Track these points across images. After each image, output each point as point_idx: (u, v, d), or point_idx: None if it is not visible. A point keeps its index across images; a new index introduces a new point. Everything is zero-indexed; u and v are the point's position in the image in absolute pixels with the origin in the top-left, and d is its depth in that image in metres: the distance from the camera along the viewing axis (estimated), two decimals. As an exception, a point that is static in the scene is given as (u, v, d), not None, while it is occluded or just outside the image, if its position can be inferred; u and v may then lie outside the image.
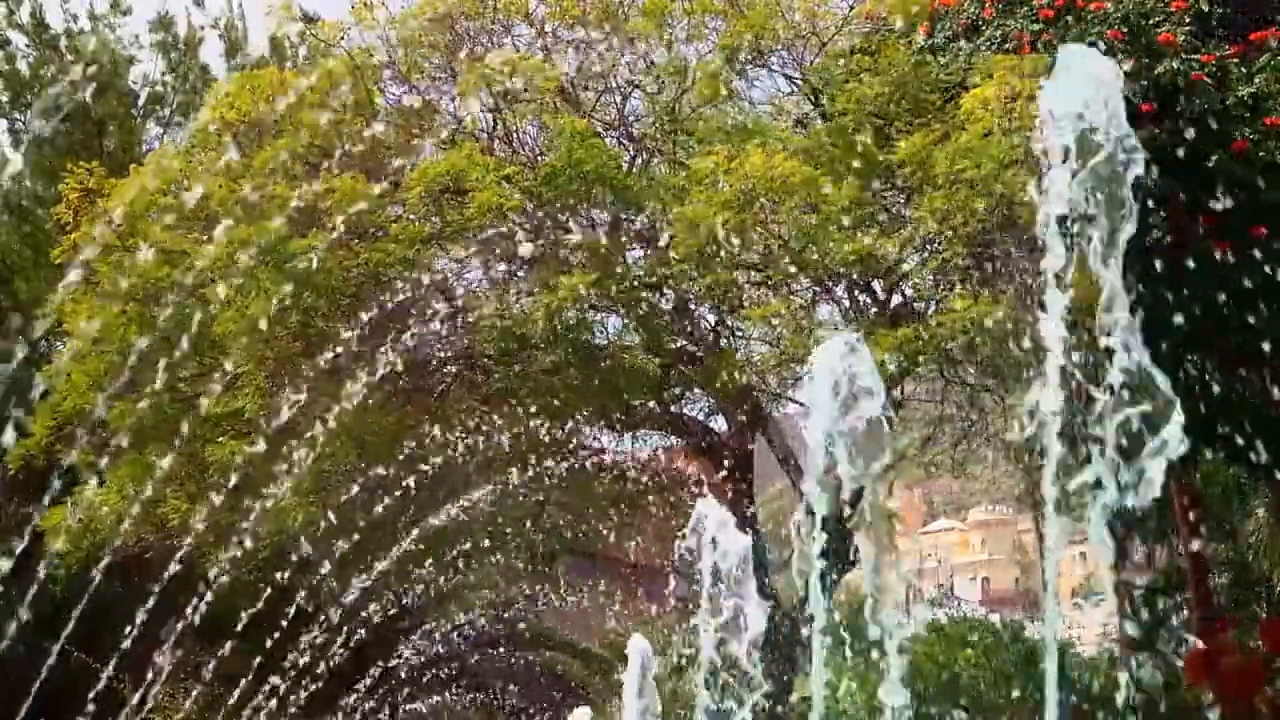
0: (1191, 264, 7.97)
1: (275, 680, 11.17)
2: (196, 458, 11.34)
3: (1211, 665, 10.48)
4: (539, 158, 12.39)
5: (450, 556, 12.94)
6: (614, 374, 11.81)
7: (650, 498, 13.72)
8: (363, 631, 12.93)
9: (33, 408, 11.66)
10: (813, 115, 12.23)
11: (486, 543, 13.40)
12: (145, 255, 10.96)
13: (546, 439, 11.48)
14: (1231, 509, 13.75)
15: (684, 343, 12.29)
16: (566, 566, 17.21)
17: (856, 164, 10.22)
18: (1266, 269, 8.00)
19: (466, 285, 12.46)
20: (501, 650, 20.42)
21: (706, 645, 5.92)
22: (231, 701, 11.77)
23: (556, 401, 11.37)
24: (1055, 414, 3.60)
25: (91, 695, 8.83)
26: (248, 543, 10.58)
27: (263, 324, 10.23)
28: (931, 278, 11.13)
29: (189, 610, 9.45)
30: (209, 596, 9.63)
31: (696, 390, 13.42)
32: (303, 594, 11.15)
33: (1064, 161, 3.64)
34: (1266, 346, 8.45)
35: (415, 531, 11.44)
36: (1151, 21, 8.69)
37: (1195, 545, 12.11)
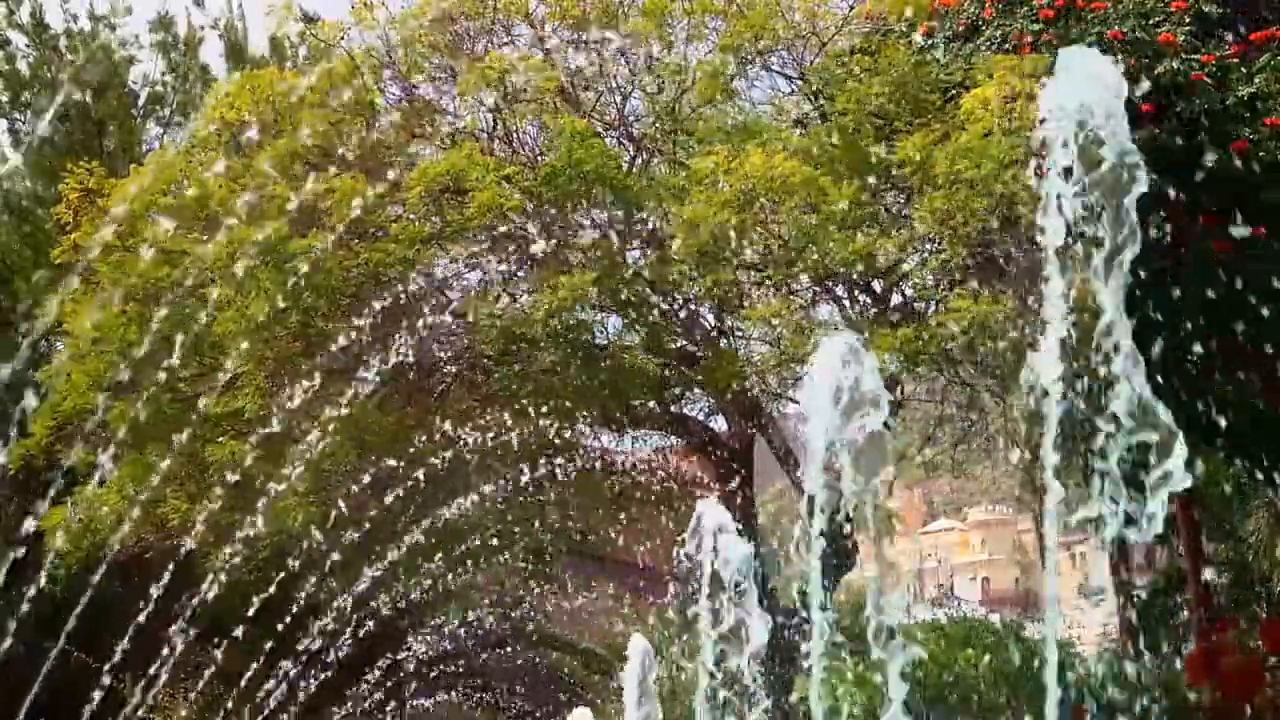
0: (1191, 264, 7.97)
1: (275, 680, 11.18)
2: (196, 458, 11.33)
3: (1211, 665, 10.48)
4: (539, 158, 12.39)
5: (451, 557, 12.94)
6: (614, 374, 11.81)
7: (650, 498, 13.73)
8: (363, 632, 12.94)
9: (33, 408, 11.66)
10: (813, 115, 12.22)
11: (487, 542, 13.40)
12: (145, 255, 10.96)
13: (547, 439, 11.48)
14: (1231, 509, 13.75)
15: (684, 343, 12.29)
16: (564, 565, 17.21)
17: (856, 164, 10.22)
18: (1266, 269, 8.00)
19: (466, 285, 12.45)
20: (502, 650, 20.44)
21: (706, 659, 5.87)
22: (232, 701, 11.78)
23: (556, 402, 11.36)
24: (1056, 381, 3.59)
25: (91, 695, 8.84)
26: (248, 542, 10.58)
27: (262, 325, 10.22)
28: (931, 278, 11.13)
29: (189, 610, 9.46)
30: (209, 596, 9.64)
31: (696, 390, 13.42)
32: (303, 595, 11.15)
33: (1065, 179, 3.64)
34: (1267, 347, 8.44)
35: (415, 531, 11.45)
36: (1151, 21, 8.69)
37: (1195, 546, 12.11)
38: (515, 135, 12.89)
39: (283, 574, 10.40)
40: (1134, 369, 3.44)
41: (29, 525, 10.45)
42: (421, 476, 10.62)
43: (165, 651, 9.76)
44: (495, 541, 13.41)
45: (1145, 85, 7.71)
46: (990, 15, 9.54)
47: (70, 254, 12.05)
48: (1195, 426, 9.37)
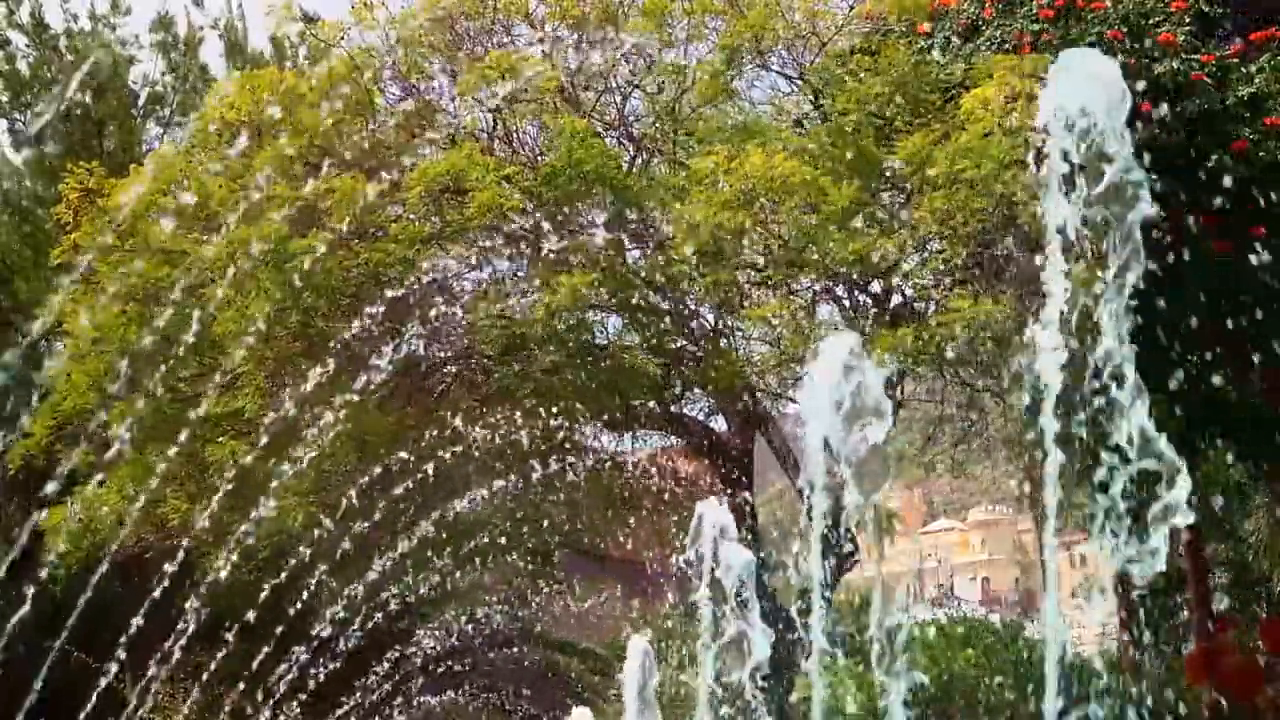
0: (1191, 264, 7.96)
1: (274, 680, 11.18)
2: (196, 458, 11.33)
3: (1211, 665, 10.50)
4: (539, 158, 12.39)
5: (458, 555, 12.94)
6: (614, 374, 11.81)
7: (650, 498, 13.72)
8: (370, 624, 12.94)
9: (33, 408, 11.66)
10: (813, 115, 12.23)
11: (496, 540, 13.40)
12: (145, 255, 10.96)
13: (547, 439, 11.48)
14: (1231, 509, 13.75)
15: (684, 343, 12.28)
16: (564, 565, 17.21)
17: (856, 164, 10.22)
18: (1266, 269, 8.00)
19: (466, 285, 12.45)
20: (509, 650, 20.43)
21: (707, 674, 5.81)
22: (232, 702, 11.78)
23: (556, 402, 11.36)
24: (1055, 349, 3.58)
25: (91, 695, 8.84)
26: (248, 542, 10.58)
27: (261, 325, 10.22)
28: (931, 278, 11.13)
29: (189, 610, 9.46)
30: (209, 597, 9.63)
31: (696, 390, 13.41)
32: (305, 594, 11.15)
33: (1065, 194, 3.63)
34: (1266, 347, 8.45)
35: (424, 524, 11.45)
36: (1151, 21, 8.69)
37: (1195, 546, 12.11)
38: (515, 135, 12.88)
39: (284, 573, 10.39)
40: (1137, 401, 3.42)
41: (29, 525, 10.46)
42: (427, 473, 10.62)
43: (165, 651, 9.75)
44: (503, 540, 13.40)
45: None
46: (990, 15, 9.54)
47: (70, 254, 12.04)
48: (1195, 426, 9.38)
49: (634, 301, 11.51)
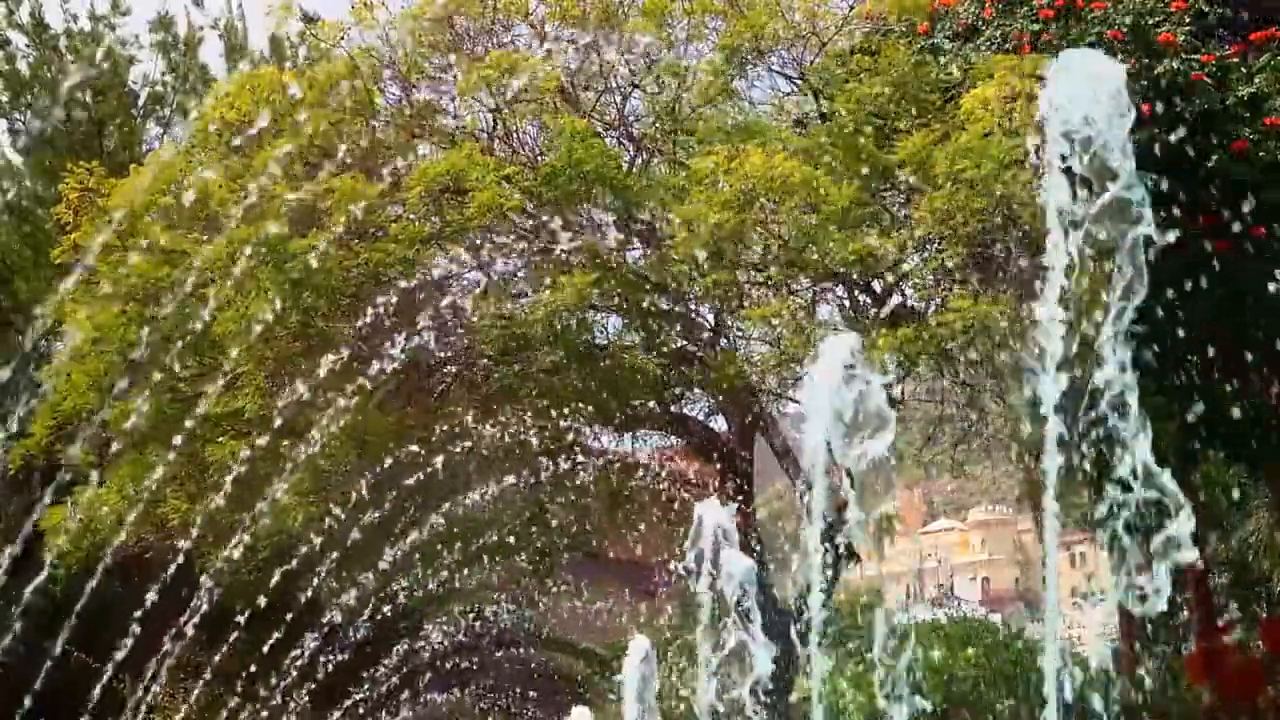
0: (1191, 264, 7.97)
1: (274, 679, 11.18)
2: (196, 458, 11.33)
3: (1212, 665, 10.50)
4: (539, 158, 12.38)
5: (451, 557, 12.94)
6: (614, 374, 11.81)
7: (651, 498, 13.72)
8: (362, 632, 12.94)
9: (33, 408, 11.66)
10: (813, 115, 12.23)
11: (504, 540, 13.40)
12: (145, 255, 10.95)
13: (553, 439, 11.48)
14: (1231, 509, 13.75)
15: (684, 343, 12.28)
16: (563, 565, 17.19)
17: (856, 164, 10.22)
18: (1266, 269, 8.00)
19: (466, 285, 12.44)
20: (516, 650, 20.43)
21: (706, 689, 5.74)
22: (233, 701, 11.78)
23: (557, 402, 11.36)
24: (1056, 320, 3.57)
25: (91, 695, 8.84)
26: (248, 541, 10.57)
27: (266, 318, 10.21)
28: (931, 278, 11.12)
29: (189, 610, 9.46)
30: (209, 596, 9.63)
31: (696, 390, 13.41)
32: (304, 596, 11.15)
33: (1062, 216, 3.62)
34: (1266, 347, 8.45)
35: (415, 532, 11.44)
36: (1151, 21, 8.69)
37: (1195, 546, 12.08)
38: (515, 135, 12.88)
39: (284, 573, 10.38)
40: (1139, 433, 3.38)
41: (29, 525, 10.46)
42: (430, 473, 10.62)
43: (165, 651, 9.75)
44: (506, 541, 13.39)
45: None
46: (990, 15, 9.54)
47: (70, 254, 12.04)
48: (1195, 426, 9.37)
49: (634, 301, 11.51)
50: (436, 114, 12.57)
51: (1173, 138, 8.16)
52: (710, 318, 12.95)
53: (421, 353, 11.60)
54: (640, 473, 13.80)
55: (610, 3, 12.14)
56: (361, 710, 14.93)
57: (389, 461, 10.80)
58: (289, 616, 10.75)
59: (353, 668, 14.00)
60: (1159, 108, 8.22)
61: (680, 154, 12.53)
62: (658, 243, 11.75)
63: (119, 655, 9.00)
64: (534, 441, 11.35)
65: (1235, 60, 8.74)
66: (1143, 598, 3.44)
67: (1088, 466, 3.54)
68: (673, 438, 14.77)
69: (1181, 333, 7.76)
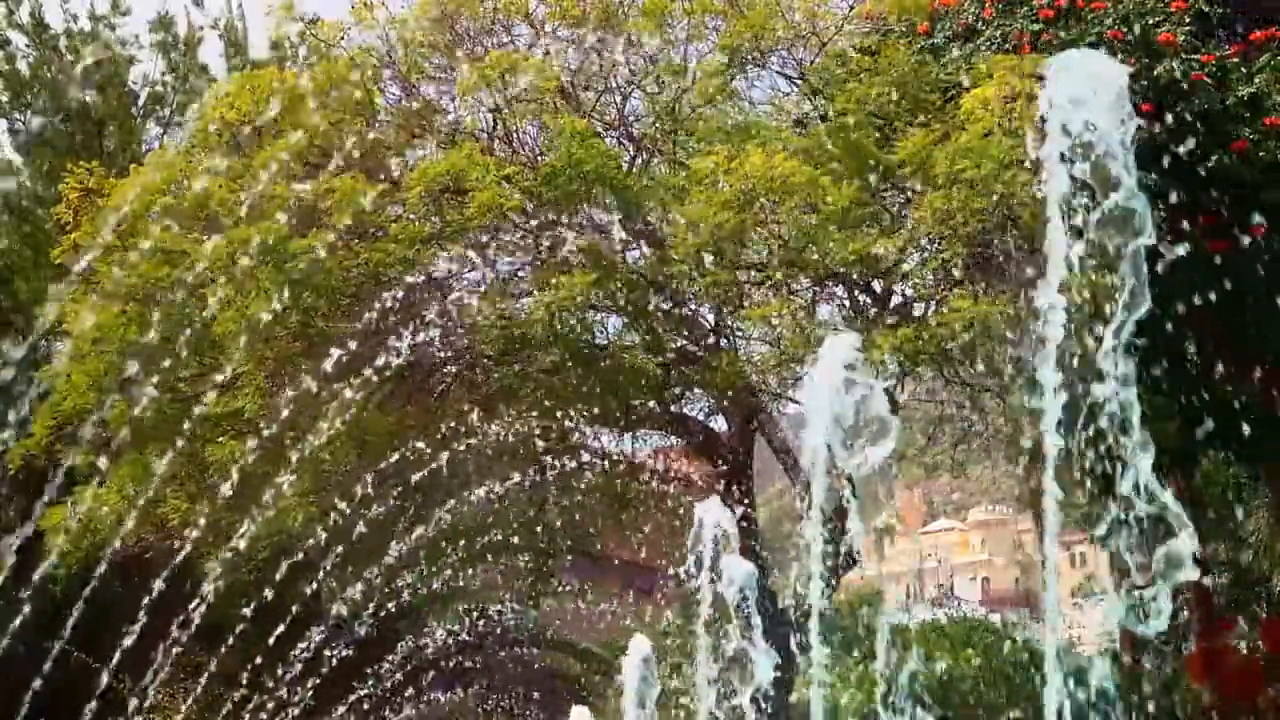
0: (1191, 264, 7.96)
1: (274, 680, 11.17)
2: (196, 458, 11.33)
3: (1212, 665, 10.50)
4: (539, 158, 12.38)
5: (455, 556, 12.94)
6: (614, 374, 11.80)
7: (651, 498, 13.71)
8: (362, 631, 12.93)
9: (33, 408, 11.66)
10: (813, 115, 12.23)
11: (509, 540, 13.40)
12: (145, 255, 10.95)
13: (558, 439, 11.48)
14: (1231, 509, 13.75)
15: (684, 343, 12.28)
16: (564, 565, 17.20)
17: (856, 164, 10.22)
18: (1266, 269, 8.00)
19: (466, 285, 12.44)
20: (521, 650, 20.42)
21: (705, 700, 5.70)
22: (233, 701, 11.78)
23: (557, 403, 11.35)
24: (1056, 307, 3.55)
25: (91, 695, 8.84)
26: (247, 542, 10.57)
27: (266, 319, 10.21)
28: (931, 278, 11.13)
29: (189, 610, 9.45)
30: (209, 597, 9.63)
31: (696, 390, 13.41)
32: (304, 596, 11.15)
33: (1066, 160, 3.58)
34: (1266, 347, 8.45)
35: (415, 531, 11.44)
36: (1151, 21, 8.69)
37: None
38: (515, 135, 12.88)
39: (284, 572, 10.38)
40: (1143, 452, 3.35)
41: (29, 525, 10.45)
42: (429, 472, 10.61)
43: (165, 651, 9.75)
44: (506, 541, 13.39)
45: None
46: (990, 15, 9.54)
47: (70, 254, 12.04)
48: (1195, 426, 9.37)
49: (634, 301, 11.51)
50: (436, 114, 12.57)
51: (1172, 137, 8.17)
52: (710, 318, 12.94)
53: (421, 353, 11.60)
54: (640, 473, 13.79)
55: (610, 3, 12.15)
56: (365, 706, 14.92)
57: (389, 461, 10.80)
58: (288, 617, 10.75)
59: (352, 667, 14.00)
60: (1159, 108, 8.22)
61: (680, 154, 12.53)
62: (658, 243, 11.75)
63: (119, 655, 9.00)
64: (535, 441, 11.35)
65: (1235, 60, 8.75)
66: (1145, 614, 3.42)
67: (1089, 482, 3.52)
68: (673, 438, 14.77)
69: (1181, 333, 7.76)
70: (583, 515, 14.52)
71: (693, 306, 12.56)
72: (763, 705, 5.58)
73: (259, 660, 11.16)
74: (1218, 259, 8.13)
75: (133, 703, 11.03)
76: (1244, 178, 8.31)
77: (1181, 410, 9.01)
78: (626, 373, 11.86)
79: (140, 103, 19.94)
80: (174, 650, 9.55)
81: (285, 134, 11.12)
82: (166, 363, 10.26)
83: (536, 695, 20.26)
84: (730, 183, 10.36)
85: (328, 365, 9.46)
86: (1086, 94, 3.63)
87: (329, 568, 10.93)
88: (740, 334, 13.18)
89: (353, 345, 9.61)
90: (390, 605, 13.12)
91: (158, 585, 8.77)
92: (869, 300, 12.01)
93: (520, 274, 12.18)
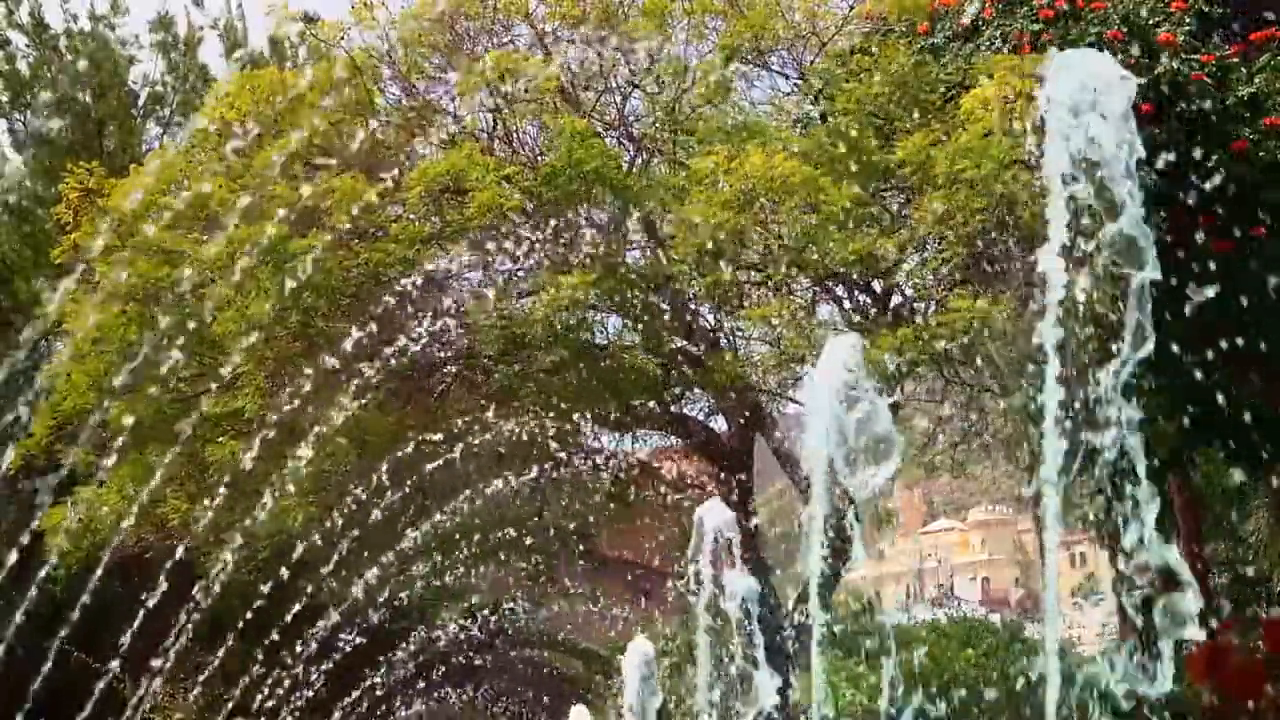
0: (1191, 264, 7.96)
1: (274, 680, 11.17)
2: (196, 458, 11.33)
3: (1213, 665, 10.48)
4: (539, 158, 12.38)
5: (451, 557, 12.93)
6: (614, 374, 11.80)
7: (650, 498, 13.72)
8: (362, 631, 12.93)
9: (33, 408, 11.66)
10: (813, 115, 12.22)
11: (521, 539, 13.40)
12: (145, 255, 10.95)
13: (547, 439, 11.47)
14: (1231, 509, 13.75)
15: (684, 343, 12.28)
16: (568, 564, 17.20)
17: (856, 164, 10.22)
18: (1266, 269, 8.00)
19: (466, 285, 12.45)
20: (529, 650, 20.42)
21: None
22: (233, 701, 11.78)
23: (557, 402, 11.35)
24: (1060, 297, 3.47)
25: (91, 695, 8.83)
26: (248, 542, 10.57)
27: (266, 319, 10.22)
28: (931, 278, 11.13)
29: (189, 610, 9.45)
30: (209, 596, 9.63)
31: (696, 390, 13.41)
32: (304, 595, 11.14)
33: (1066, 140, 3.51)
34: (1266, 346, 8.44)
35: (415, 532, 11.44)
36: (1151, 21, 8.69)
37: (1195, 546, 12.10)
38: (515, 135, 12.88)
39: (285, 572, 10.38)
40: (1148, 503, 3.28)
41: (29, 525, 10.45)
42: (431, 471, 10.61)
43: (165, 651, 9.75)
44: (520, 537, 13.38)
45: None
46: (990, 15, 9.54)
47: (70, 254, 12.03)
48: (1195, 426, 9.37)
49: (634, 301, 11.51)
50: (436, 114, 12.57)
51: (1172, 137, 8.17)
52: (710, 318, 12.95)
53: (422, 353, 11.60)
54: (641, 473, 13.79)
55: (610, 3, 12.15)
56: (368, 702, 14.93)
57: (389, 461, 10.79)
58: (290, 615, 10.75)
59: (352, 666, 14.00)
60: (1159, 108, 8.21)
61: (680, 154, 12.53)
62: (658, 243, 11.75)
63: (119, 655, 9.00)
64: (548, 441, 11.36)
65: (1235, 60, 8.74)
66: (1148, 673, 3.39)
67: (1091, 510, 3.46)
68: (673, 438, 14.77)
69: (1180, 333, 7.75)
70: (583, 515, 14.52)
71: (693, 306, 12.56)
72: None
73: (259, 660, 11.16)
74: (1218, 259, 8.12)
75: (133, 702, 11.03)
76: (1244, 178, 8.31)
77: (1182, 411, 9.01)
78: (626, 373, 11.86)
79: (140, 103, 19.95)
80: (174, 650, 9.54)
81: (285, 134, 11.13)
82: (167, 363, 10.26)
83: (547, 700, 20.26)
84: (730, 183, 10.35)
85: (328, 365, 9.46)
86: (1086, 104, 3.54)
87: (330, 567, 10.93)
88: (740, 334, 13.18)
89: (352, 346, 9.61)
90: (390, 606, 13.14)
91: (158, 585, 8.77)
92: (869, 300, 12.02)
93: (520, 274, 12.19)
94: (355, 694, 14.41)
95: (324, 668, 11.94)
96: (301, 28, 13.90)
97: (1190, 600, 3.28)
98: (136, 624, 8.74)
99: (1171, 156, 7.82)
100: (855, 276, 11.23)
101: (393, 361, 10.10)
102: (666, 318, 12.10)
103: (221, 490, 10.09)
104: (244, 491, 10.49)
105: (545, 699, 20.36)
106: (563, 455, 12.02)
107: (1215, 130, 8.42)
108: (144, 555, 12.39)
